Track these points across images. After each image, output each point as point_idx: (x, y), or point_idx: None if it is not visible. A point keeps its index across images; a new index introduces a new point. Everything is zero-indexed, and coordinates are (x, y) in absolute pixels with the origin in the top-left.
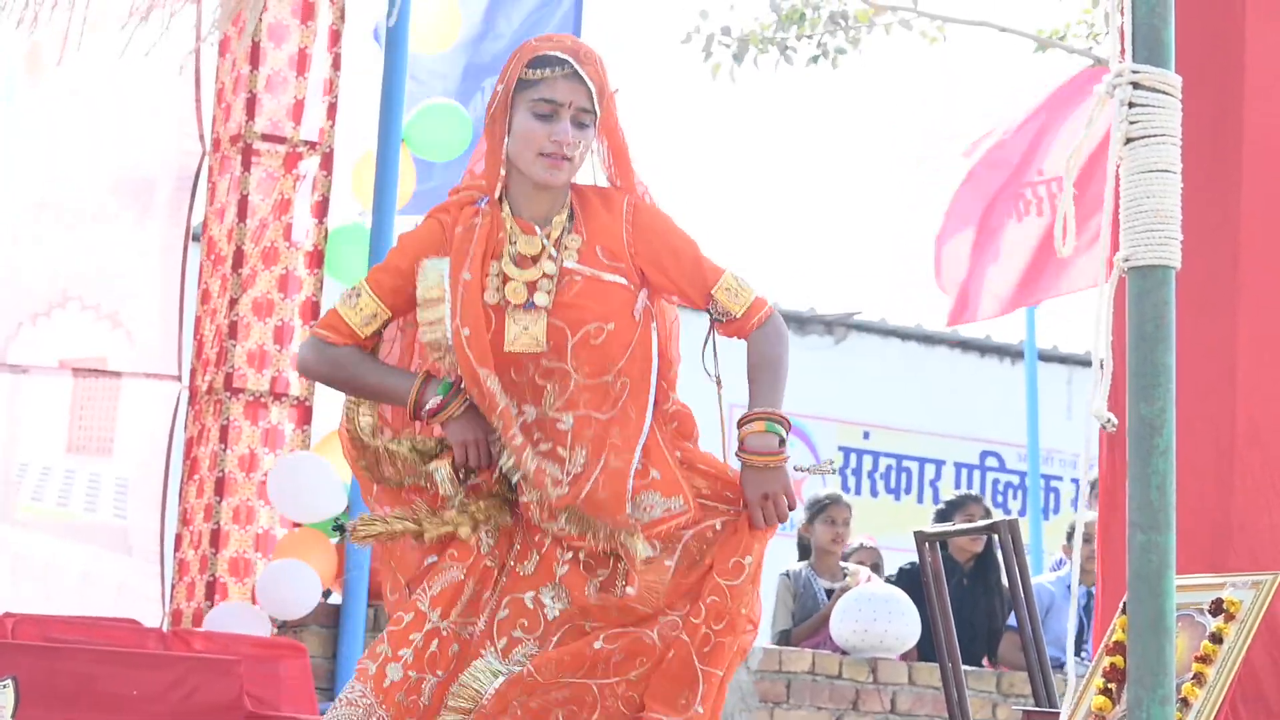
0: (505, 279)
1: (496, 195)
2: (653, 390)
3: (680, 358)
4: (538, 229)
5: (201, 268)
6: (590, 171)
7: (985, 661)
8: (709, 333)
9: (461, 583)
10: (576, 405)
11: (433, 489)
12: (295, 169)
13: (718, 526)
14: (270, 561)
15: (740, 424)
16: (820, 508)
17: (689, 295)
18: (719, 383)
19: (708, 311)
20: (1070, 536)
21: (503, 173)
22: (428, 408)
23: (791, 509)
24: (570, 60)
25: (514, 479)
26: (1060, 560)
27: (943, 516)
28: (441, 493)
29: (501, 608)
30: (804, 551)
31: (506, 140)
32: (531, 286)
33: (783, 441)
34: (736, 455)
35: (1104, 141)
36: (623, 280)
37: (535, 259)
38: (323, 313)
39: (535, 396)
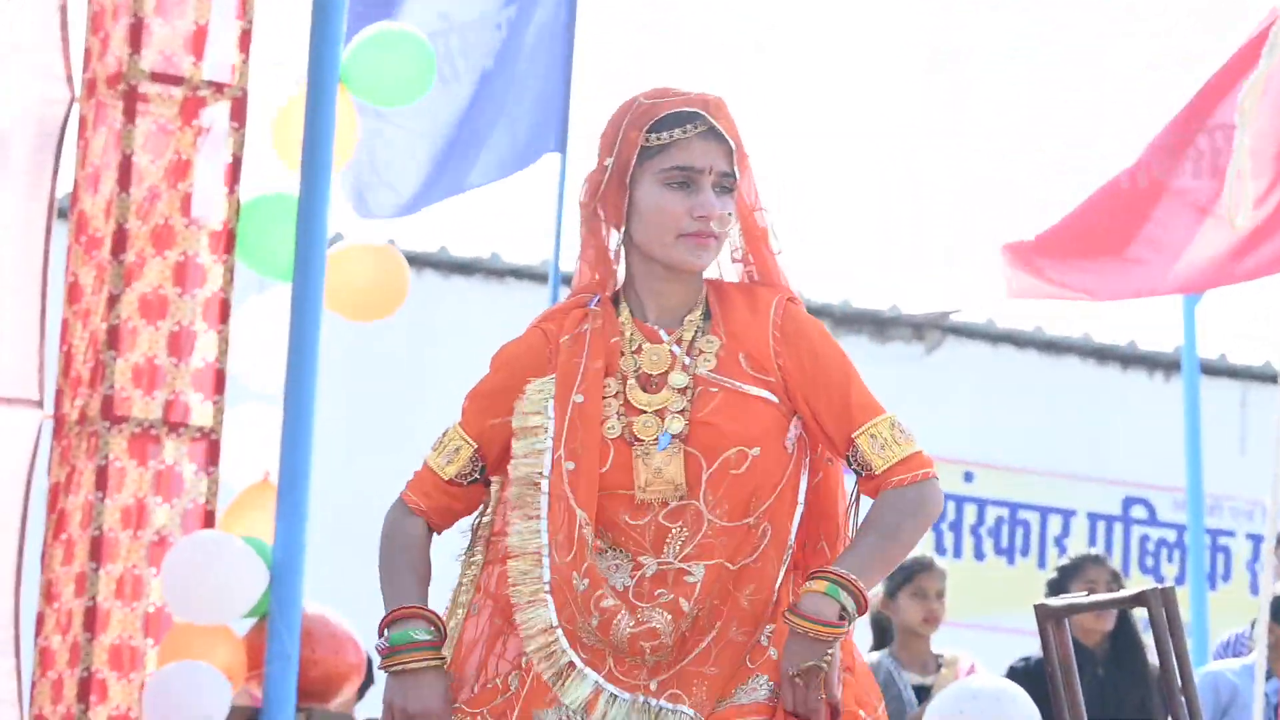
0: (630, 408)
1: (609, 294)
2: (792, 541)
3: (849, 517)
4: (664, 335)
5: (70, 253)
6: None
7: None
8: (855, 489)
9: None
10: (710, 553)
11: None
12: (196, 119)
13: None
14: (159, 667)
15: (807, 578)
16: (905, 576)
17: (827, 433)
18: None
19: (845, 459)
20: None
21: (617, 267)
22: (377, 644)
23: (831, 713)
24: (703, 114)
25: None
26: (1229, 641)
27: (1056, 587)
28: None
29: None
30: (882, 635)
31: (624, 227)
32: (662, 415)
33: (844, 617)
34: (784, 616)
35: None
36: (772, 397)
37: (665, 376)
38: (233, 315)
39: (657, 544)
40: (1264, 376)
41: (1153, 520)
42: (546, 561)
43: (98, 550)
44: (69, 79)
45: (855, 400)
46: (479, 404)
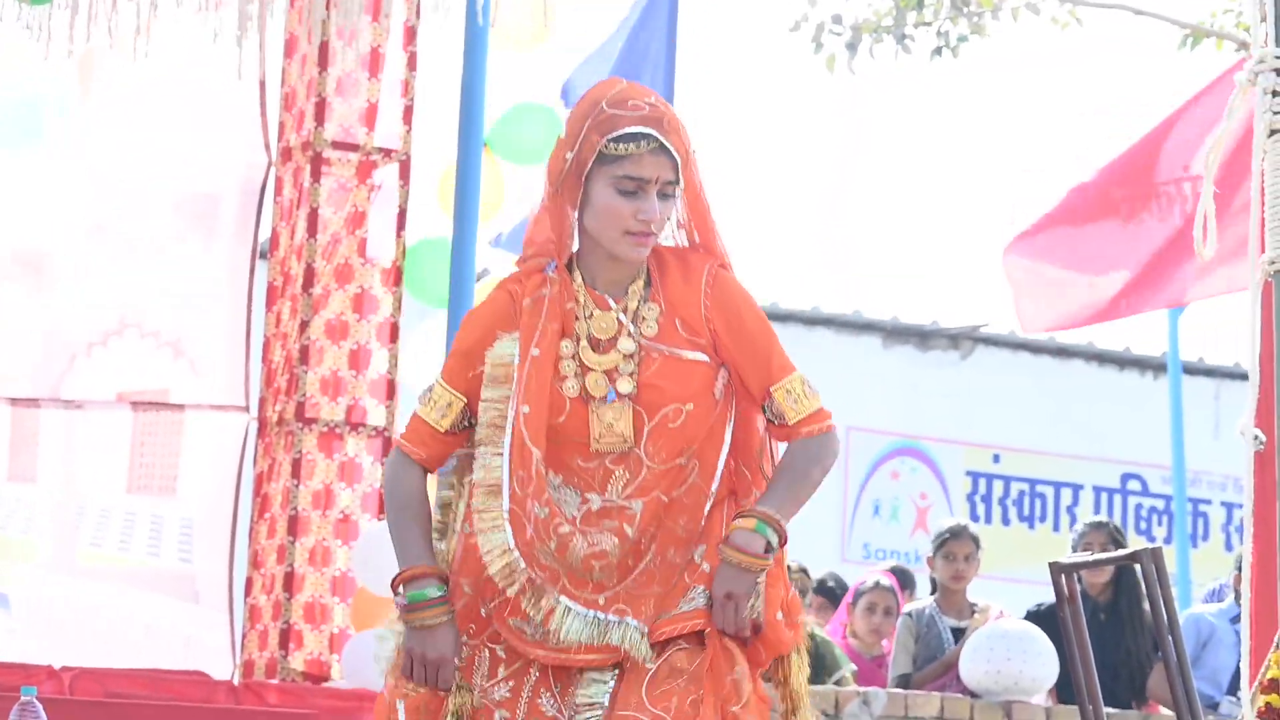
0: (584, 368)
1: (565, 262)
2: (719, 472)
3: (764, 447)
4: (612, 303)
5: (270, 289)
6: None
7: (1133, 703)
8: (764, 433)
9: None
10: (648, 491)
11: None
12: (370, 178)
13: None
14: (348, 623)
15: (735, 517)
16: (940, 542)
17: (748, 384)
18: None
19: (762, 409)
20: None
21: (570, 241)
22: (398, 600)
23: (754, 630)
24: (655, 134)
25: (538, 606)
26: (1215, 590)
27: (1072, 549)
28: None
29: None
30: (935, 586)
31: (578, 210)
32: (612, 375)
33: (769, 551)
34: (718, 549)
35: (1249, 136)
36: (704, 357)
37: (613, 340)
38: (401, 336)
39: (602, 484)
40: (1233, 375)
41: (1145, 492)
42: (506, 492)
43: (294, 526)
44: (267, 147)
45: (774, 360)
46: (461, 361)
